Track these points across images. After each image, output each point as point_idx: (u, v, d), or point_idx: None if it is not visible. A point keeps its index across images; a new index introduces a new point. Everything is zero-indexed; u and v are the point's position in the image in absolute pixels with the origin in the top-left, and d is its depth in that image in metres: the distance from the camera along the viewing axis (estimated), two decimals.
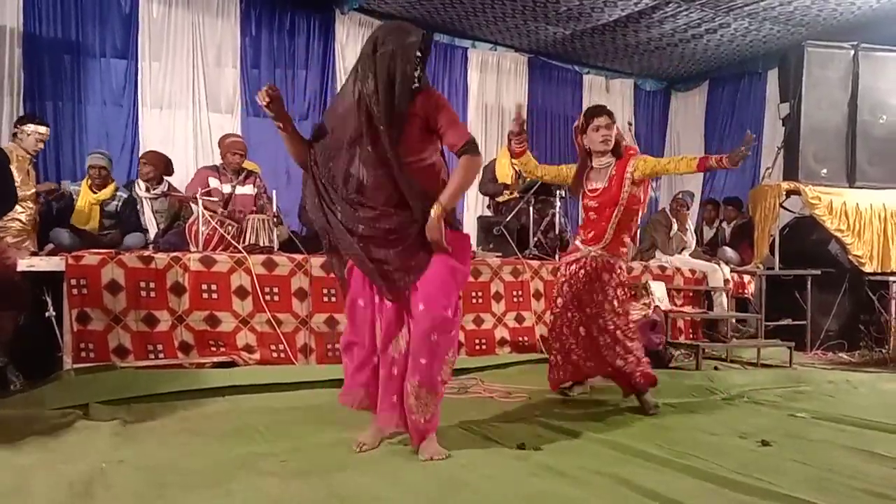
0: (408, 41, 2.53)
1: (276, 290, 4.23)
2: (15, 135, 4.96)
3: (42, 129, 4.99)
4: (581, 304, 3.57)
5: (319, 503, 2.11)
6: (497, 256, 5.34)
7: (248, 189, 5.23)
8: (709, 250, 7.20)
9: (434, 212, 2.47)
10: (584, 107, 9.21)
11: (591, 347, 3.55)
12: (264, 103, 2.50)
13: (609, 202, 3.52)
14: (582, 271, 3.56)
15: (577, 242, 3.67)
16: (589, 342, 3.56)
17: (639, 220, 3.79)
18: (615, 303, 3.51)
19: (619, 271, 3.56)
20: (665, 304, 5.31)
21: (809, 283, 5.82)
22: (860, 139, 6.12)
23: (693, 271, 6.02)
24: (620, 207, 3.50)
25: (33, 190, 5.00)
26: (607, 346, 3.49)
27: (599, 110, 3.56)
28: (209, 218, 4.51)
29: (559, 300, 3.65)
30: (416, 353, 2.49)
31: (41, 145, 5.01)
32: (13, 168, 4.77)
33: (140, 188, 5.62)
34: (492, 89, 8.62)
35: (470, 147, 2.52)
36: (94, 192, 5.38)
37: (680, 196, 6.61)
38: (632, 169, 3.48)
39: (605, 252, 3.53)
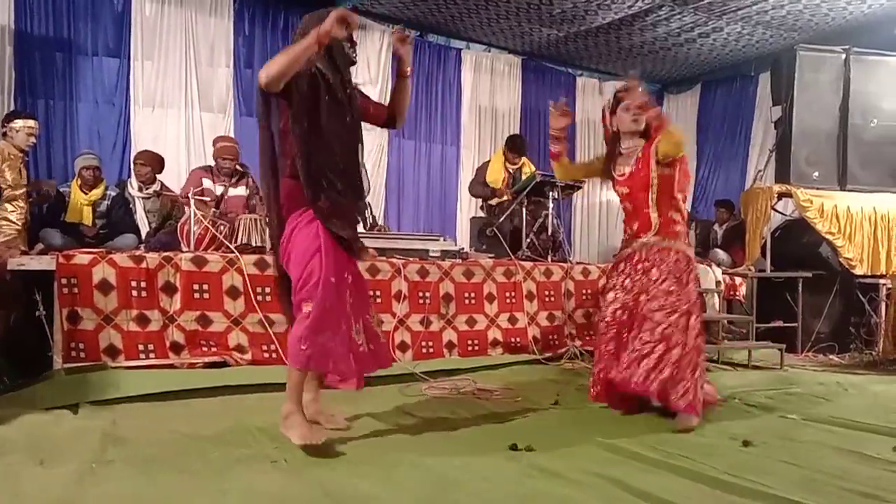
0: None
1: (267, 290, 4.21)
2: (5, 133, 4.93)
3: (31, 122, 4.95)
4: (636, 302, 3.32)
5: (312, 503, 2.11)
6: (490, 257, 5.35)
7: (240, 190, 5.23)
8: (700, 252, 7.24)
9: None
10: (577, 109, 9.34)
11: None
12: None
13: (640, 186, 3.38)
14: (639, 265, 3.37)
15: (625, 239, 3.51)
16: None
17: (684, 203, 3.50)
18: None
19: (675, 256, 3.33)
20: None
21: (800, 285, 5.85)
22: (851, 143, 6.16)
23: None
24: (654, 189, 3.35)
25: (26, 190, 4.96)
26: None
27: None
28: (201, 217, 4.50)
29: (611, 307, 3.37)
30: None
31: (33, 139, 4.98)
32: (5, 167, 4.78)
33: (133, 188, 5.61)
34: (485, 91, 8.64)
35: None
36: (85, 193, 5.37)
37: None
38: (654, 148, 3.35)
39: (659, 238, 3.36)
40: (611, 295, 3.41)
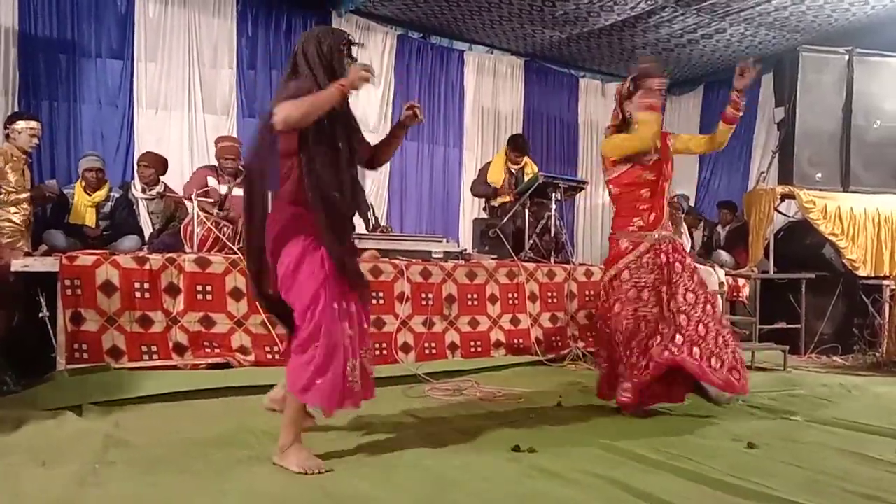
0: None
1: None
2: (7, 135, 4.93)
3: (33, 123, 4.95)
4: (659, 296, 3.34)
5: None
6: (492, 258, 5.35)
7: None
8: (704, 253, 7.23)
9: None
10: (580, 111, 9.35)
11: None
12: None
13: (666, 175, 3.40)
14: (658, 258, 3.37)
15: (634, 230, 3.42)
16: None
17: None
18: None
19: (682, 248, 3.45)
20: None
21: (804, 286, 5.84)
22: (854, 144, 6.15)
23: None
24: (671, 181, 3.43)
25: (31, 194, 4.96)
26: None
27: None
28: (204, 219, 4.51)
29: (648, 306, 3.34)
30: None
31: (35, 140, 4.98)
32: (9, 169, 4.79)
33: (136, 189, 5.62)
34: (488, 92, 8.65)
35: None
36: (89, 195, 5.38)
37: (674, 199, 6.60)
38: (672, 141, 3.42)
39: (665, 231, 3.41)
40: (646, 293, 3.36)
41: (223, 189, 5.10)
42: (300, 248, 2.48)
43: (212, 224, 4.51)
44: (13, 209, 4.79)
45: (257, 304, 2.71)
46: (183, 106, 6.74)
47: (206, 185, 4.97)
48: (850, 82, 6.16)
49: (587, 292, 5.46)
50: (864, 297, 5.96)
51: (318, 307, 2.44)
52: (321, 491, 2.20)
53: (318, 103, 2.41)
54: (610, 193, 3.57)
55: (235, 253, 4.30)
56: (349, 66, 2.63)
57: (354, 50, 2.70)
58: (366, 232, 5.19)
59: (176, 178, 6.12)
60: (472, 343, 4.90)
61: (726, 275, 6.26)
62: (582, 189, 6.63)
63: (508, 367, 4.74)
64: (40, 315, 3.75)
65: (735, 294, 6.43)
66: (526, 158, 6.51)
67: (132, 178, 5.94)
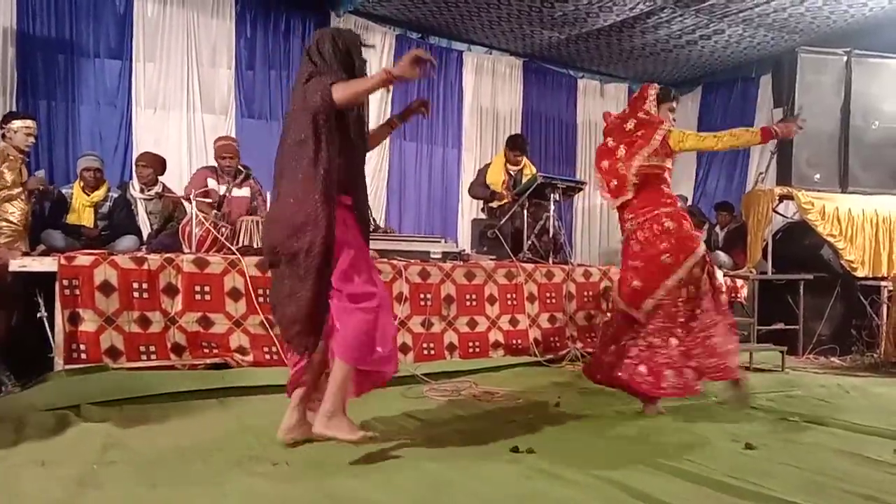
0: None
1: (269, 291, 4.21)
2: (3, 135, 4.92)
3: (29, 122, 4.94)
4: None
5: None
6: (491, 259, 5.35)
7: (244, 191, 5.23)
8: None
9: None
10: (579, 111, 9.36)
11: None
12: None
13: None
14: None
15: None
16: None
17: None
18: None
19: None
20: None
21: (802, 287, 5.84)
22: (853, 145, 6.16)
23: None
24: None
25: (23, 189, 4.95)
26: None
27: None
28: (203, 219, 4.50)
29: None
30: None
31: (32, 139, 4.97)
32: (5, 168, 4.78)
33: (134, 189, 5.62)
34: (487, 93, 8.65)
35: None
36: (87, 194, 5.37)
37: None
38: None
39: None
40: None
41: (222, 190, 5.10)
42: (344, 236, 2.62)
43: (210, 224, 4.51)
44: (11, 208, 4.79)
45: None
46: (181, 106, 6.74)
47: (206, 186, 4.97)
48: (848, 83, 6.18)
49: (585, 293, 5.46)
50: (862, 297, 5.97)
51: (369, 282, 2.67)
52: (321, 492, 2.19)
53: (366, 86, 2.54)
54: (661, 175, 3.58)
55: (234, 253, 4.30)
56: (364, 65, 2.75)
57: (364, 51, 2.75)
58: None
59: (174, 178, 6.12)
60: (471, 344, 4.90)
61: (724, 275, 6.27)
62: (580, 190, 6.63)
63: (507, 367, 4.74)
64: (38, 315, 3.74)
65: (733, 295, 6.43)
66: (525, 160, 6.51)
67: (130, 178, 5.94)
